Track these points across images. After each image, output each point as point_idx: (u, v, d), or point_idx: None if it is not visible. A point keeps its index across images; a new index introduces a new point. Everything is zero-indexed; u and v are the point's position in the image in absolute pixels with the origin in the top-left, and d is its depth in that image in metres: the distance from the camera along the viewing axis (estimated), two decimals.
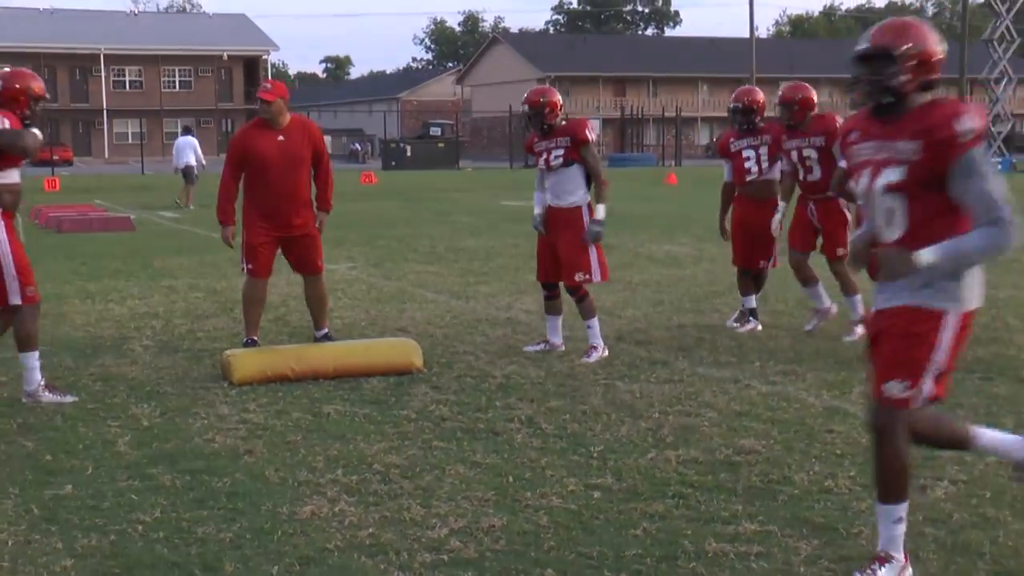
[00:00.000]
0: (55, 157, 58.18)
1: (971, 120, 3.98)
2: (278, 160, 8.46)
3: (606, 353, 8.37)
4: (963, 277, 4.10)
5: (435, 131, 70.12)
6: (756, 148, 9.47)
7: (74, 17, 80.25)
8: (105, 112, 76.87)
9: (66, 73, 76.91)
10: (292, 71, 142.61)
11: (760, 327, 9.46)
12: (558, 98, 8.54)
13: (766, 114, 9.71)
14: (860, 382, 7.46)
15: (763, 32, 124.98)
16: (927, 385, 4.11)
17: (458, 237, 18.48)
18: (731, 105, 9.57)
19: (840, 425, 6.39)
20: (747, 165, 9.50)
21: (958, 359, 4.20)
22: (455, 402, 7.04)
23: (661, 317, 10.19)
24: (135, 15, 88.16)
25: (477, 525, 4.82)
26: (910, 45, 4.09)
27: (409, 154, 59.16)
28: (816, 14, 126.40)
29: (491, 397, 7.17)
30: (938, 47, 4.16)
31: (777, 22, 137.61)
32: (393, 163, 58.69)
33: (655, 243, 17.14)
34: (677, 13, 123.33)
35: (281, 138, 8.52)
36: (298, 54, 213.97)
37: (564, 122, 8.46)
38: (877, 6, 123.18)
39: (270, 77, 79.97)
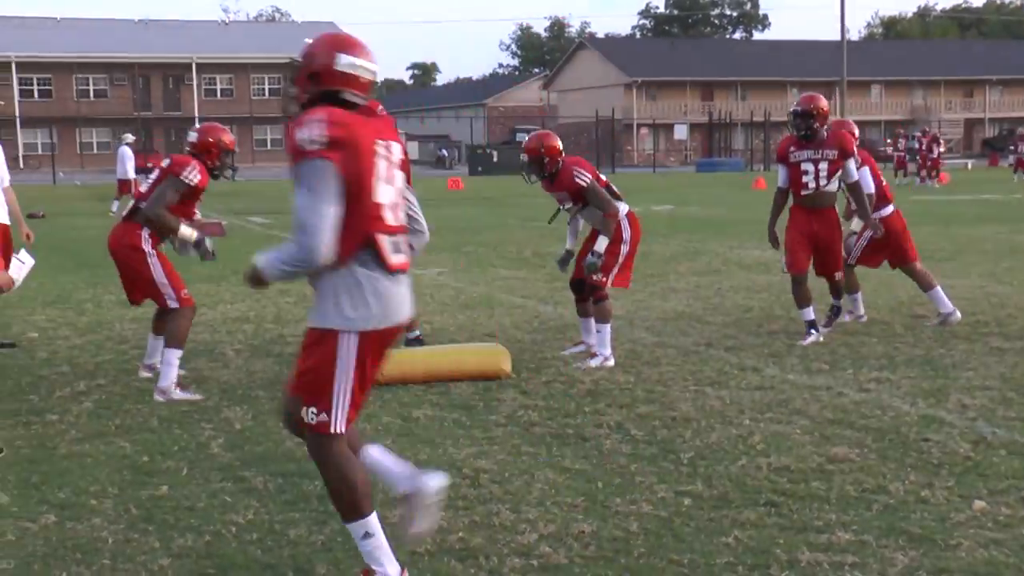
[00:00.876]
0: (149, 164, 59.32)
1: (306, 131, 3.89)
2: None
3: (610, 363, 8.25)
4: (341, 295, 3.95)
5: (521, 137, 70.09)
6: (816, 162, 9.09)
7: (167, 27, 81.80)
8: (197, 120, 78.13)
9: (159, 82, 78.39)
10: (379, 78, 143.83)
11: (821, 338, 9.15)
12: (556, 143, 8.29)
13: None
14: (957, 390, 7.32)
15: (854, 34, 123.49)
16: (339, 408, 4.00)
17: (545, 242, 18.47)
18: (792, 109, 9.25)
19: (936, 434, 6.26)
20: (804, 179, 9.15)
21: (371, 380, 4.08)
22: (544, 407, 7.04)
23: (751, 323, 10.09)
24: (226, 24, 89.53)
25: (566, 531, 4.81)
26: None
27: (495, 160, 59.33)
28: (910, 15, 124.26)
29: (580, 403, 7.15)
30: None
31: (869, 24, 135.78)
32: (479, 169, 58.93)
33: (744, 249, 16.98)
34: (766, 16, 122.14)
35: None
36: (385, 61, 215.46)
37: (560, 168, 8.22)
38: (974, 5, 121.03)
39: None
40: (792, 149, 9.21)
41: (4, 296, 8.52)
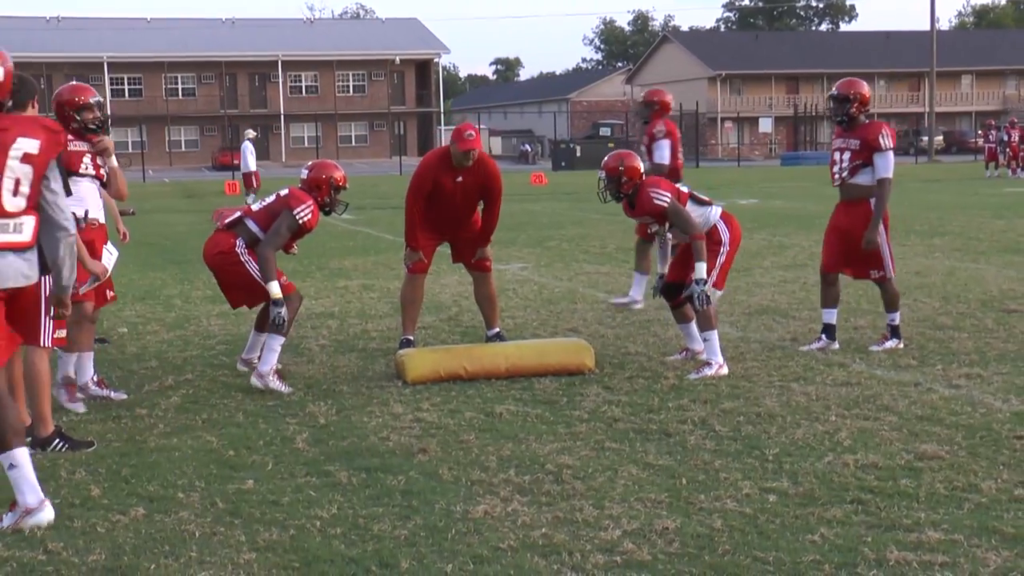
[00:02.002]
0: (235, 161, 60.19)
1: None
2: (455, 199, 8.62)
3: (724, 371, 7.75)
4: None
5: (605, 131, 70.03)
6: (842, 150, 8.57)
7: (253, 26, 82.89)
8: (282, 117, 79.13)
9: (245, 80, 79.45)
10: (463, 73, 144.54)
11: (836, 345, 8.62)
12: (638, 163, 7.99)
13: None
14: None
15: (944, 24, 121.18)
16: None
17: (629, 237, 18.32)
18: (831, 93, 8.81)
19: None
20: (833, 169, 8.65)
21: None
22: (627, 403, 7.00)
23: (838, 318, 9.92)
24: (311, 22, 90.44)
25: (650, 527, 4.77)
26: None
27: (579, 154, 59.22)
28: (1003, 3, 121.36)
29: (663, 398, 7.10)
30: None
31: (960, 13, 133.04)
32: (563, 164, 58.86)
33: None
34: (853, 7, 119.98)
35: (460, 179, 8.54)
36: (469, 56, 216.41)
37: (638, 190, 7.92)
38: None
39: (441, 81, 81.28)
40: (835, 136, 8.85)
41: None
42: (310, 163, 8.15)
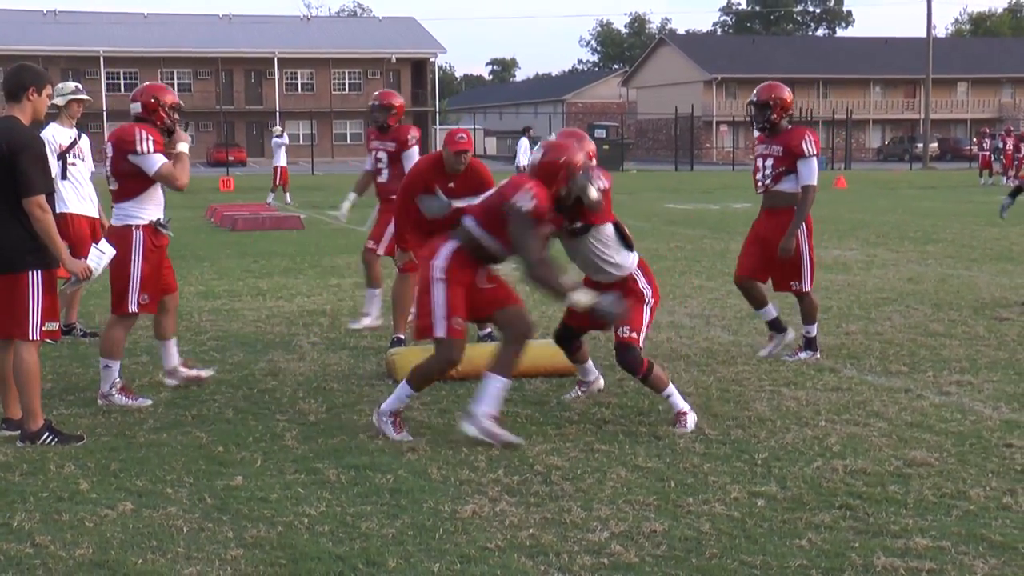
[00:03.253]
0: (230, 158, 60.16)
1: None
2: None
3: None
4: None
5: (600, 133, 69.89)
6: (765, 157, 8.43)
7: (250, 23, 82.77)
8: (278, 114, 79.01)
9: (242, 77, 79.37)
10: (459, 73, 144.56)
11: (790, 334, 8.50)
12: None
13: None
14: None
15: (941, 31, 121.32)
16: None
17: None
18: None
19: (1019, 439, 6.13)
20: (756, 176, 8.55)
21: None
22: (617, 405, 7.00)
23: (829, 324, 9.94)
24: (307, 20, 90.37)
25: (638, 529, 4.77)
26: None
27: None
28: (1000, 11, 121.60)
29: (653, 401, 7.09)
30: None
31: (956, 20, 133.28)
32: None
33: (823, 248, 16.74)
34: (850, 13, 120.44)
35: (452, 185, 8.36)
36: (465, 56, 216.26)
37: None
38: None
39: (436, 80, 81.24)
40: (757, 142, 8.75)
41: (88, 286, 8.65)
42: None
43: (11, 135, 6.02)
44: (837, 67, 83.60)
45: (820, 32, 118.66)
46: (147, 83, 7.71)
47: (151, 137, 7.10)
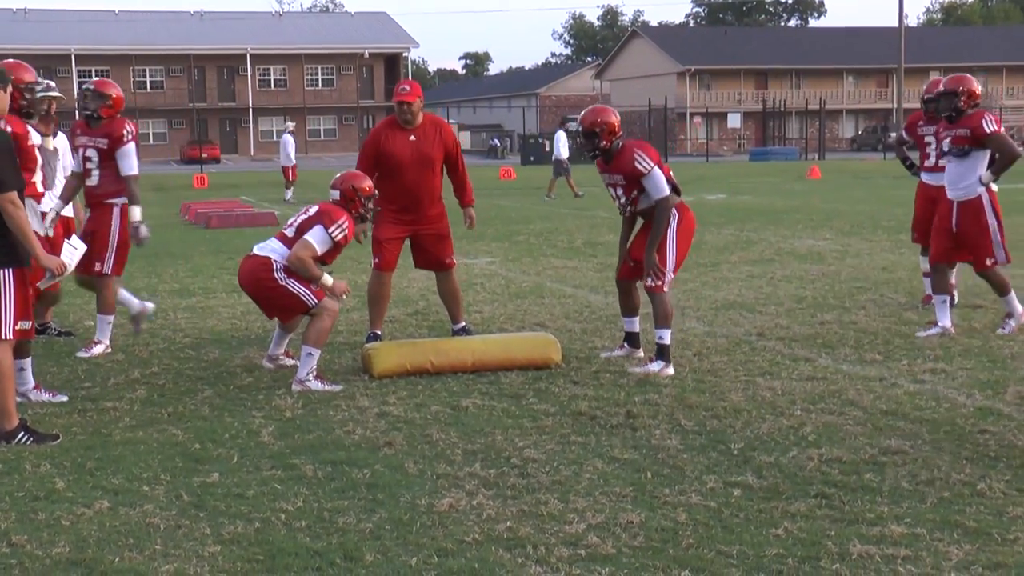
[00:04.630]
0: (204, 155, 59.93)
1: None
2: (410, 160, 8.54)
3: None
4: None
5: (574, 126, 70.05)
6: (613, 187, 8.08)
7: (222, 19, 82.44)
8: (251, 110, 78.77)
9: (214, 73, 79.06)
10: (432, 68, 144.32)
11: (640, 352, 8.26)
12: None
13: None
14: (1016, 381, 7.22)
15: (912, 20, 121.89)
16: None
17: (596, 232, 18.43)
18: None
19: (994, 426, 6.17)
20: (616, 204, 8.18)
21: None
22: (593, 397, 7.01)
23: (804, 313, 9.99)
24: (279, 16, 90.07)
25: (615, 521, 4.79)
26: None
27: (548, 149, 59.22)
28: (971, 0, 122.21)
29: (630, 392, 7.12)
30: None
31: (928, 9, 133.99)
32: (532, 158, 58.91)
33: (797, 238, 16.84)
34: (822, 3, 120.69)
35: (413, 138, 8.58)
36: (438, 51, 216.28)
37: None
38: None
39: (410, 75, 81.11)
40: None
41: (61, 285, 8.60)
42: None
43: None
44: (810, 57, 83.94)
45: (792, 23, 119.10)
46: (347, 171, 7.90)
47: (346, 232, 7.49)
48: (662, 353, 7.72)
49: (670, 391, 7.12)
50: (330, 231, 7.45)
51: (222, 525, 4.80)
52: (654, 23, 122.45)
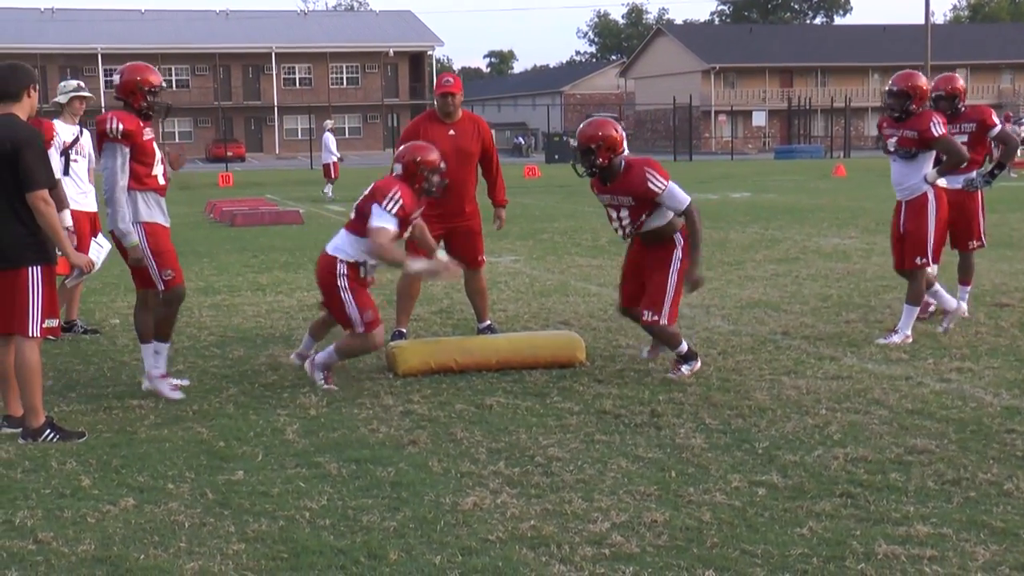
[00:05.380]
0: (229, 154, 60.16)
1: None
2: (450, 154, 8.52)
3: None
4: None
5: None
6: (617, 208, 7.66)
7: (247, 18, 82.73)
8: (276, 109, 79.01)
9: (239, 72, 79.36)
10: (456, 66, 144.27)
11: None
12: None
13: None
14: None
15: (939, 18, 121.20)
16: None
17: None
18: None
19: (1021, 425, 6.13)
20: (613, 226, 7.82)
21: None
22: (617, 396, 7.00)
23: (829, 312, 9.95)
24: (304, 14, 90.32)
25: (639, 520, 4.78)
26: None
27: (572, 147, 59.16)
28: None
29: (654, 391, 7.10)
30: None
31: (955, 7, 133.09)
32: (556, 156, 58.81)
33: (823, 236, 16.77)
34: (847, 0, 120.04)
35: (452, 132, 8.63)
36: (462, 49, 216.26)
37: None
38: None
39: (435, 73, 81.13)
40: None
41: (87, 283, 8.67)
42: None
43: (14, 131, 6.06)
44: (835, 55, 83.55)
45: (818, 20, 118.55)
46: (412, 143, 7.73)
47: (401, 202, 7.24)
48: (683, 359, 7.53)
49: (695, 390, 7.10)
50: (384, 206, 7.20)
51: (246, 523, 4.82)
52: (679, 21, 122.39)
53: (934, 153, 8.67)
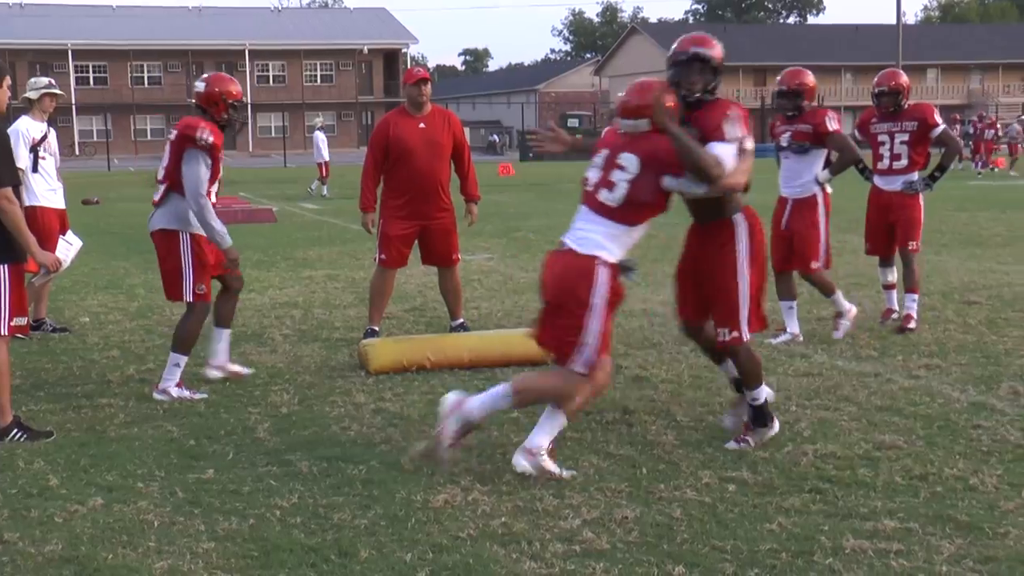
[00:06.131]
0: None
1: None
2: (420, 147, 8.54)
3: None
4: None
5: (573, 122, 69.91)
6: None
7: (220, 14, 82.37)
8: (249, 106, 78.69)
9: (212, 69, 78.48)
10: (431, 64, 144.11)
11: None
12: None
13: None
14: (1009, 376, 7.23)
15: (911, 18, 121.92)
16: None
17: None
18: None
19: (987, 421, 6.18)
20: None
21: None
22: None
23: (801, 310, 9.95)
24: (279, 11, 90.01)
25: (610, 516, 4.79)
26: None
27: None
28: None
29: (626, 388, 7.12)
30: None
31: (926, 7, 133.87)
32: (531, 154, 58.78)
33: None
34: (820, 0, 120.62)
35: (423, 125, 8.62)
36: (437, 47, 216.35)
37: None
38: None
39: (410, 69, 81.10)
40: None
41: (57, 281, 8.63)
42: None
43: None
44: (808, 54, 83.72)
45: (791, 20, 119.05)
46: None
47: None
48: (758, 416, 5.91)
49: (666, 387, 7.13)
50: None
51: (217, 522, 4.80)
52: (653, 20, 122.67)
53: (826, 152, 8.68)
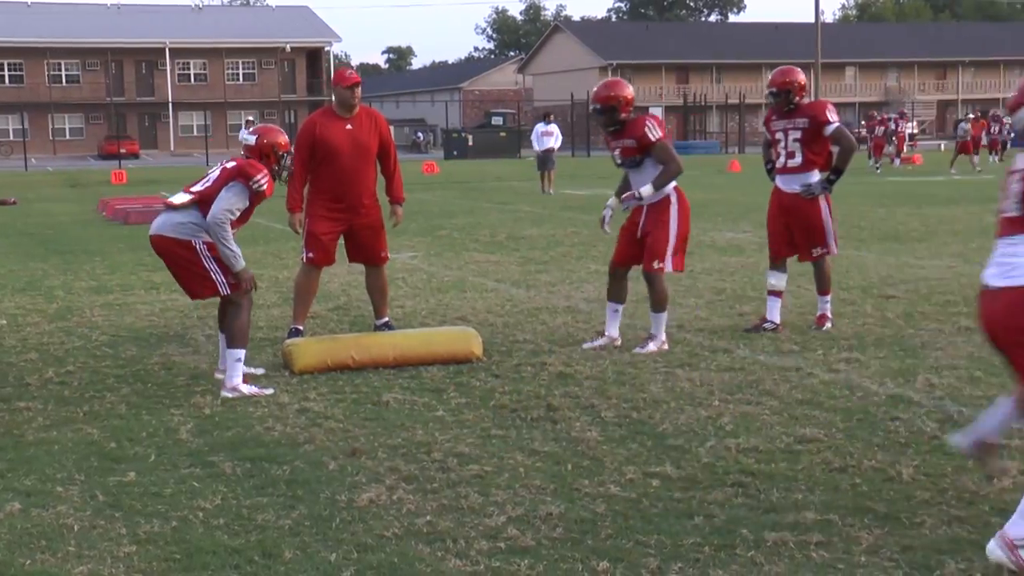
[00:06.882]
0: (122, 150, 59.08)
1: None
2: (347, 148, 8.50)
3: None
4: None
5: (497, 120, 70.06)
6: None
7: (140, 12, 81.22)
8: (170, 105, 77.75)
9: (132, 67, 77.93)
10: (354, 62, 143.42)
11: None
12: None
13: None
14: (925, 369, 7.37)
15: (829, 16, 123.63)
16: None
17: (519, 226, 18.47)
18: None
19: (904, 413, 6.30)
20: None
21: None
22: (514, 390, 7.03)
23: (723, 305, 10.11)
24: (199, 9, 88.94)
25: (534, 513, 4.81)
26: None
27: (471, 144, 59.16)
28: None
29: (550, 385, 7.15)
30: None
31: (844, 6, 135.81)
32: (455, 153, 58.80)
33: (717, 231, 17.03)
34: None
35: (349, 127, 8.59)
36: (360, 44, 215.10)
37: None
38: None
39: (332, 69, 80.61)
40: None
41: None
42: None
43: None
44: (729, 52, 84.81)
45: (713, 18, 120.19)
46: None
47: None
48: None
49: (590, 384, 7.17)
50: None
51: (138, 524, 4.75)
52: (576, 18, 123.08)
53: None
